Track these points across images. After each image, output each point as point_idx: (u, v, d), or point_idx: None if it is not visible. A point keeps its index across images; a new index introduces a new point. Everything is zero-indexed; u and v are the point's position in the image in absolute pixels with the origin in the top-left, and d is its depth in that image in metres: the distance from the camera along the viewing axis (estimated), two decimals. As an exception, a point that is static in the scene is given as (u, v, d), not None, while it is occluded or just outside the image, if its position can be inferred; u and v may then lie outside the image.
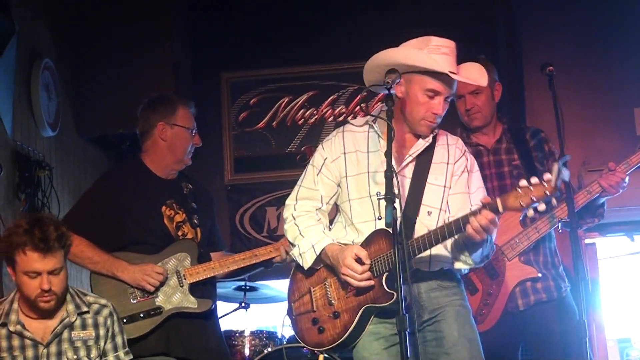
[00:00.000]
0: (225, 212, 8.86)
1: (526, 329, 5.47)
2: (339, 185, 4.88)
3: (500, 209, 4.31)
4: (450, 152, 4.82)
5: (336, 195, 4.91)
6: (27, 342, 4.76)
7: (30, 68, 7.20)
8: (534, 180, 4.24)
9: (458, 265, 4.71)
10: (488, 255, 4.71)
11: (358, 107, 8.92)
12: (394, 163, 4.53)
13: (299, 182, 5.00)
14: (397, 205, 4.31)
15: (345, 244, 4.74)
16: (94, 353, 4.81)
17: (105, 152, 8.49)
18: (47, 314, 4.76)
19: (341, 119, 8.93)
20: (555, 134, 5.38)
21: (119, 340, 4.89)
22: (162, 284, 5.27)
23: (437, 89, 4.61)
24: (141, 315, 5.23)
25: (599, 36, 8.52)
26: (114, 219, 5.34)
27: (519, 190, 4.27)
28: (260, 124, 9.06)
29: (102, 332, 4.84)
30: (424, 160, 4.77)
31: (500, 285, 5.39)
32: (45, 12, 7.62)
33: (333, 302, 4.73)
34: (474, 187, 4.80)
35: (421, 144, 4.75)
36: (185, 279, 5.31)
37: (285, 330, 7.27)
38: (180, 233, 5.44)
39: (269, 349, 6.71)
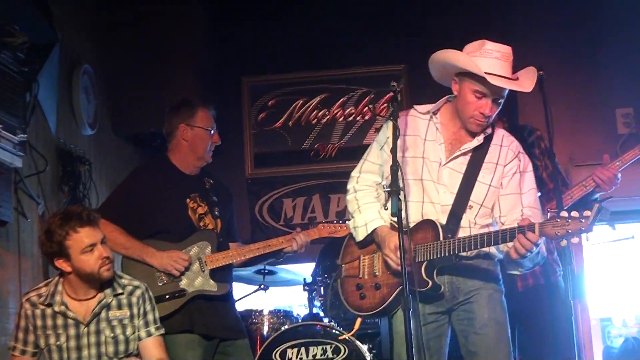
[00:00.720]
0: (246, 203, 8.87)
1: (523, 309, 5.44)
2: None
3: (537, 233, 4.24)
4: (502, 154, 4.71)
5: None
6: (70, 321, 4.76)
7: (71, 73, 7.22)
8: (574, 214, 4.18)
9: (511, 270, 4.65)
10: (539, 263, 4.61)
11: (366, 108, 8.90)
12: (445, 154, 4.62)
13: (364, 156, 4.94)
14: (401, 196, 4.27)
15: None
16: (129, 330, 4.80)
17: (137, 149, 8.50)
18: (105, 288, 4.76)
19: (350, 119, 8.94)
20: (545, 132, 5.36)
21: (150, 317, 4.87)
22: (186, 269, 5.28)
23: (483, 90, 4.53)
24: (167, 297, 5.24)
25: (584, 42, 8.55)
26: (144, 210, 5.36)
27: (557, 220, 4.21)
28: (277, 124, 9.05)
29: (135, 310, 4.83)
30: (477, 158, 4.68)
31: None
32: (84, 23, 7.64)
33: (377, 274, 4.72)
34: (526, 188, 4.69)
35: (474, 143, 4.68)
36: (206, 265, 5.33)
37: (300, 309, 7.32)
38: (202, 224, 5.45)
39: (286, 327, 6.70)
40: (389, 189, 4.35)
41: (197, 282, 5.29)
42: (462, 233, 4.58)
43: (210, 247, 5.37)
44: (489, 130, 4.69)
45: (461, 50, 4.63)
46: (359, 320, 4.98)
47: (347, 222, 5.47)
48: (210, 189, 5.55)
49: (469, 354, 4.61)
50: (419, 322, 4.53)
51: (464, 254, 4.55)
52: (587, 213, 4.17)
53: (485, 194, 4.63)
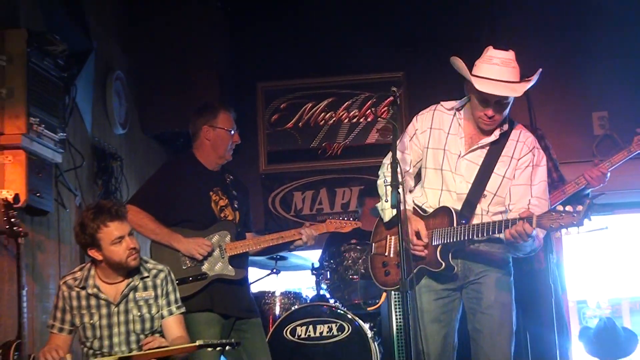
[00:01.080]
0: (260, 196, 8.88)
1: (521, 291, 5.38)
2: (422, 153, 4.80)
3: (534, 225, 4.23)
4: (517, 148, 4.63)
5: (420, 161, 4.80)
6: (102, 302, 4.75)
7: (105, 78, 7.26)
8: (568, 208, 4.16)
9: (511, 253, 4.61)
10: (534, 250, 4.56)
11: (369, 110, 8.88)
12: (464, 147, 4.61)
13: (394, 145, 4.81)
14: (400, 190, 4.30)
15: (418, 206, 4.73)
16: (154, 310, 4.77)
17: (164, 147, 8.50)
18: (132, 273, 4.77)
19: (354, 120, 8.93)
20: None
21: (171, 297, 4.83)
22: (208, 254, 5.28)
23: (482, 94, 4.50)
24: (190, 279, 5.23)
25: (565, 52, 8.54)
26: (171, 200, 5.36)
27: (553, 214, 4.20)
28: (288, 125, 9.04)
29: (159, 291, 4.80)
30: (494, 152, 4.62)
31: None
32: (117, 33, 7.68)
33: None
34: (536, 180, 4.61)
35: (490, 139, 4.62)
36: (225, 252, 5.31)
37: (308, 291, 7.32)
38: (222, 215, 5.44)
39: (296, 307, 6.71)
40: (389, 184, 4.36)
41: (217, 267, 5.29)
42: (475, 220, 4.58)
43: (229, 236, 5.36)
44: (505, 127, 4.65)
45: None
46: (384, 294, 4.97)
47: (352, 219, 5.57)
48: (230, 184, 5.55)
49: (474, 330, 4.60)
50: (414, 305, 4.57)
51: (475, 238, 4.52)
52: (579, 208, 4.16)
53: (499, 185, 4.59)
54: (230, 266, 5.32)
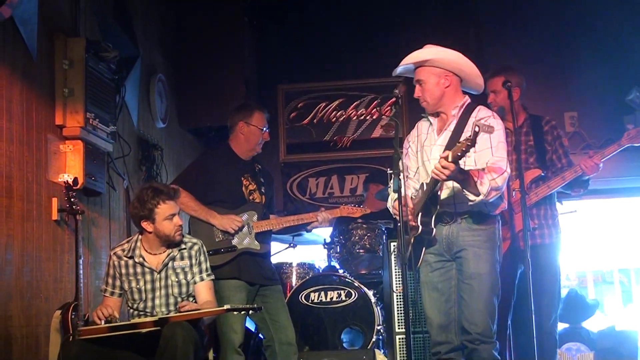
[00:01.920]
0: (280, 181, 8.86)
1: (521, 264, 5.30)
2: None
3: (450, 157, 4.05)
4: (469, 123, 4.44)
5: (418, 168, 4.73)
6: (146, 269, 4.82)
7: (149, 80, 7.26)
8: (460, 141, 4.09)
9: (470, 197, 4.32)
10: (485, 193, 4.26)
11: (374, 109, 8.88)
12: (436, 135, 4.57)
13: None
14: (401, 177, 4.29)
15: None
16: (189, 276, 4.83)
17: (197, 138, 8.49)
18: (175, 245, 4.84)
19: (362, 118, 8.89)
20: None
21: (203, 266, 4.88)
22: (238, 230, 5.31)
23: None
24: (221, 250, 5.24)
25: (537, 51, 8.49)
26: (208, 183, 5.36)
27: (457, 144, 4.07)
28: (304, 121, 9.01)
29: (193, 261, 4.86)
30: (458, 131, 4.49)
31: (508, 230, 5.27)
32: (159, 42, 7.66)
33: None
34: (494, 143, 4.40)
35: (453, 121, 4.55)
36: (253, 229, 5.32)
37: (321, 263, 7.33)
38: (251, 197, 5.43)
39: (310, 276, 6.71)
40: (391, 172, 4.37)
41: (245, 241, 5.29)
42: (445, 188, 4.48)
43: (256, 216, 5.35)
44: (463, 109, 4.55)
45: None
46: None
47: (361, 206, 5.58)
48: (259, 172, 5.53)
49: (459, 297, 4.52)
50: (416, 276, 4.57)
51: (451, 210, 4.46)
52: (464, 136, 4.25)
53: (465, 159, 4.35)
54: (256, 241, 5.33)
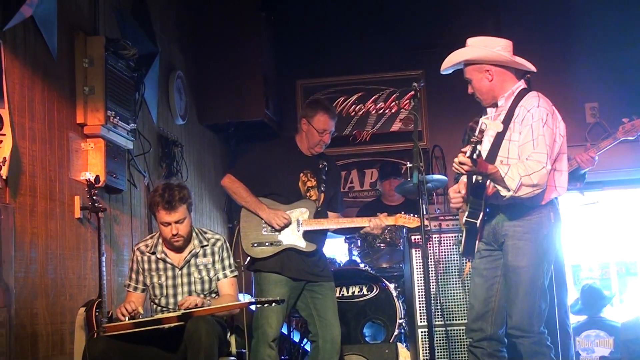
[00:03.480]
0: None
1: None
2: None
3: (467, 154, 4.02)
4: (520, 113, 4.37)
5: None
6: (168, 265, 4.84)
7: (168, 77, 7.30)
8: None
9: (501, 193, 4.24)
10: (514, 189, 4.17)
11: (393, 103, 8.86)
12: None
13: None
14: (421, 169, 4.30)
15: None
16: (212, 273, 4.86)
17: (216, 135, 8.53)
18: (179, 249, 4.85)
19: (381, 112, 8.88)
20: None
21: (226, 262, 4.89)
22: (286, 225, 5.24)
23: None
24: (266, 243, 5.20)
25: (557, 42, 8.47)
26: (264, 175, 5.31)
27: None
28: (324, 116, 9.05)
29: (216, 257, 4.87)
30: (506, 121, 4.40)
31: None
32: (177, 39, 7.71)
33: None
34: (535, 135, 4.29)
35: (501, 110, 4.49)
36: (301, 226, 5.27)
37: (342, 257, 7.34)
38: (308, 194, 5.37)
39: (331, 270, 6.73)
40: (411, 165, 4.37)
41: (291, 238, 5.24)
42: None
43: (308, 213, 5.28)
44: (512, 96, 4.47)
45: None
46: (468, 264, 4.89)
47: (415, 215, 5.28)
48: (322, 169, 5.43)
49: (503, 288, 4.47)
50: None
51: (496, 203, 4.37)
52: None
53: (507, 148, 4.37)
54: (303, 239, 5.26)
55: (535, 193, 4.24)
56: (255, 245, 5.20)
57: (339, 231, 5.52)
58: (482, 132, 4.03)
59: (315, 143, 5.37)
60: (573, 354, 5.62)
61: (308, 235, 5.28)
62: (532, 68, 4.56)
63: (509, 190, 4.20)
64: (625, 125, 5.50)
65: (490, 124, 4.16)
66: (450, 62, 4.57)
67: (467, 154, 4.06)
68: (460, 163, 4.12)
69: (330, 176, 5.50)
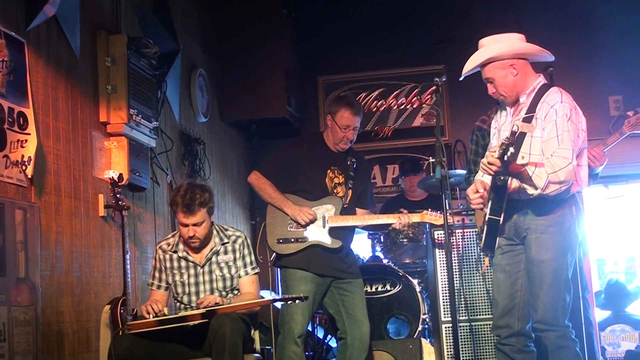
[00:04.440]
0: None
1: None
2: None
3: (497, 155, 4.04)
4: (543, 109, 4.33)
5: None
6: (190, 263, 4.86)
7: (190, 75, 7.33)
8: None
9: (528, 191, 4.24)
10: (542, 187, 4.16)
11: (415, 98, 8.86)
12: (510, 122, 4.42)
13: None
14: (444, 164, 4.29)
15: None
16: (233, 270, 4.86)
17: (238, 132, 8.55)
18: (196, 250, 4.86)
19: (402, 107, 8.89)
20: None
21: (247, 259, 4.89)
22: (312, 222, 5.23)
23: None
24: (292, 240, 5.19)
25: (580, 34, 8.42)
26: (291, 172, 5.30)
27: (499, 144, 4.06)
28: (345, 112, 9.04)
29: (237, 254, 4.87)
30: (528, 118, 4.36)
31: None
32: (199, 36, 7.73)
33: None
34: (559, 131, 4.25)
35: (521, 107, 4.44)
36: (327, 223, 5.25)
37: (365, 253, 7.34)
38: (335, 191, 5.35)
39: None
40: (433, 160, 4.36)
41: (316, 234, 5.22)
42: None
43: (334, 210, 5.26)
44: (533, 93, 4.42)
45: None
46: (487, 259, 4.87)
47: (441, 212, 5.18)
48: (350, 165, 5.39)
49: (526, 282, 4.45)
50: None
51: (517, 197, 4.34)
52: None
53: (530, 144, 4.32)
54: (328, 235, 5.24)
55: (562, 189, 4.22)
56: (281, 241, 5.21)
57: (367, 227, 5.51)
58: (514, 134, 3.99)
59: (340, 139, 5.33)
60: (598, 349, 5.59)
61: (334, 231, 5.27)
62: (551, 57, 4.54)
63: (536, 188, 4.19)
64: (630, 119, 5.44)
65: (522, 125, 4.12)
66: (473, 64, 4.50)
67: (497, 155, 4.05)
68: (490, 164, 4.12)
69: (359, 172, 5.47)
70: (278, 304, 5.65)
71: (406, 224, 5.29)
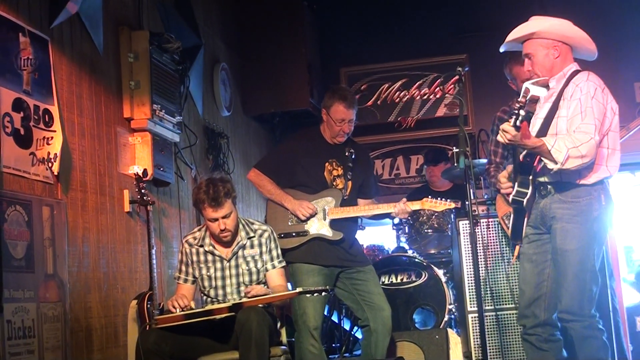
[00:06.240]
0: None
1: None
2: None
3: (512, 123, 4.02)
4: (570, 89, 4.31)
5: None
6: (216, 258, 4.85)
7: (212, 70, 7.35)
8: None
9: (548, 166, 4.17)
10: (561, 162, 4.08)
11: (437, 88, 8.85)
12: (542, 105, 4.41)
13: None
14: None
15: None
16: (259, 264, 4.85)
17: (262, 125, 8.58)
18: (223, 244, 4.87)
19: (425, 97, 8.88)
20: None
21: (274, 253, 4.89)
22: (312, 215, 5.24)
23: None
24: (293, 234, 5.21)
25: (606, 21, 8.33)
26: (290, 167, 5.31)
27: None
28: (368, 103, 9.00)
29: (264, 248, 4.86)
30: (556, 99, 4.33)
31: None
32: (221, 30, 7.75)
33: None
34: (582, 109, 4.21)
35: (551, 93, 4.40)
36: (328, 215, 5.26)
37: (390, 244, 7.35)
38: (334, 183, 5.34)
39: (379, 258, 6.75)
40: (457, 150, 4.34)
41: (317, 227, 5.23)
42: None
43: (334, 202, 5.26)
44: (564, 75, 4.39)
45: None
46: (517, 247, 4.84)
47: (447, 200, 5.26)
48: (349, 156, 5.38)
49: (552, 272, 4.41)
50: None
51: (543, 180, 4.33)
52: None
53: (556, 125, 4.28)
54: (329, 228, 5.24)
55: (583, 165, 4.16)
56: (282, 236, 5.19)
57: (373, 217, 5.52)
58: (525, 96, 3.97)
59: (336, 133, 5.31)
60: (626, 337, 5.54)
61: (335, 224, 5.27)
62: (594, 56, 4.53)
63: (556, 163, 4.13)
64: None
65: (533, 88, 4.08)
66: (517, 34, 4.45)
67: (512, 123, 4.04)
68: (504, 130, 4.10)
69: (358, 163, 5.46)
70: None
71: (405, 211, 5.27)
